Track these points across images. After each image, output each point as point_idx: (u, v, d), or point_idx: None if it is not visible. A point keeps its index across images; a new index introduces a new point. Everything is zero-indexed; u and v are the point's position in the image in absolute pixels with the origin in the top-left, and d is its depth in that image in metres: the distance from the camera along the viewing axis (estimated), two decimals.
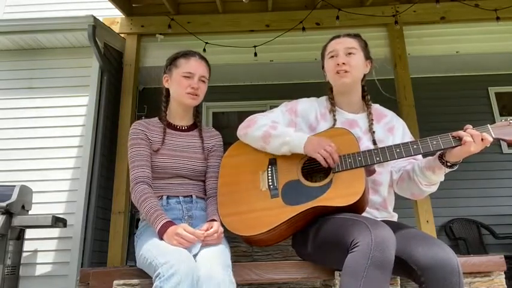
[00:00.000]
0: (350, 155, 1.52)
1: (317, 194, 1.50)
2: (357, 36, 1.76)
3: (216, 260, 1.39)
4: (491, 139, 1.39)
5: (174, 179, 1.73)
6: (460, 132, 1.42)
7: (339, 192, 1.47)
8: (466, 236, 4.28)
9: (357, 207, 1.45)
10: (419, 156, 1.62)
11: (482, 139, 1.38)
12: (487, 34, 4.31)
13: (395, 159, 1.49)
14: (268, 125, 1.66)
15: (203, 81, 1.81)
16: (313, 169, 1.63)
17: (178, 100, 1.81)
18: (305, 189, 1.54)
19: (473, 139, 1.37)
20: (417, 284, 1.30)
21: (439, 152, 1.48)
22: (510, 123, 1.41)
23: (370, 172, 1.57)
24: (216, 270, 1.35)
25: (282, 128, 1.65)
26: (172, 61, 1.83)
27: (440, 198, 4.12)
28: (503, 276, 1.56)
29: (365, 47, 1.74)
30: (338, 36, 1.76)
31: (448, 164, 1.46)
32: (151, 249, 1.43)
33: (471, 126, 1.42)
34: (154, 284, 1.29)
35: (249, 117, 1.78)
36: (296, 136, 1.58)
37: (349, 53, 1.68)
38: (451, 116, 4.54)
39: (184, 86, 1.75)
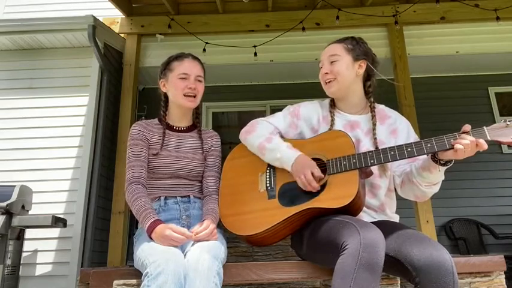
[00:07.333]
0: (345, 157, 1.52)
1: (311, 195, 1.52)
2: (344, 39, 1.74)
3: (205, 250, 1.40)
4: (486, 146, 1.36)
5: (171, 179, 1.74)
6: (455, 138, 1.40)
7: (332, 194, 1.49)
8: (466, 236, 4.28)
9: (351, 209, 1.47)
10: (422, 157, 1.60)
11: (476, 144, 1.35)
12: (487, 34, 4.31)
13: (389, 161, 1.49)
14: (265, 136, 1.69)
15: (199, 81, 1.82)
16: None
17: (176, 103, 1.82)
18: (301, 191, 1.56)
19: (464, 147, 1.34)
20: (412, 284, 1.30)
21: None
22: (508, 124, 1.38)
23: (367, 174, 1.57)
24: (204, 257, 1.36)
25: (276, 142, 1.66)
26: (166, 65, 1.84)
27: (440, 198, 4.10)
28: (503, 276, 1.57)
29: (353, 48, 1.70)
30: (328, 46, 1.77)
31: (442, 162, 1.44)
32: (144, 249, 1.45)
33: (469, 127, 1.39)
34: (142, 283, 1.30)
35: (251, 122, 1.81)
36: (286, 154, 1.60)
37: (332, 62, 1.69)
38: (451, 116, 4.53)
39: (181, 87, 1.77)
